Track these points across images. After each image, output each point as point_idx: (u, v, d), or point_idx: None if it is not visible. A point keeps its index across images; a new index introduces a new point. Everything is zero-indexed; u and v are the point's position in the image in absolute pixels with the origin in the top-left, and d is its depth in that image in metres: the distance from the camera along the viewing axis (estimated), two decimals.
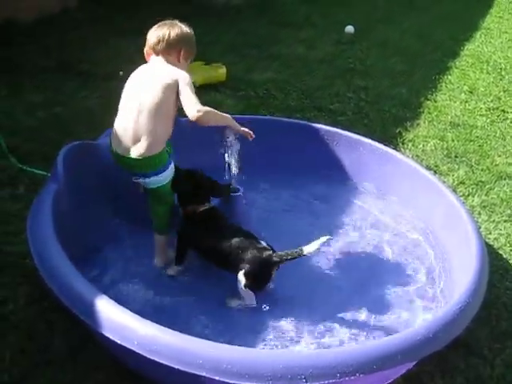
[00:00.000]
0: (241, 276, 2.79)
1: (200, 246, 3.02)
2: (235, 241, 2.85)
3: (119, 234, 3.31)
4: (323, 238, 2.75)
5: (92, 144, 3.31)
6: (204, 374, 2.10)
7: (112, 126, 3.08)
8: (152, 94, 2.95)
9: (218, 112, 3.04)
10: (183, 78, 3.03)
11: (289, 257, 2.78)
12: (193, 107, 2.91)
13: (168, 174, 3.03)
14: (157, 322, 2.26)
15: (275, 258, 2.79)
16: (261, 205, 3.68)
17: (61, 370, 2.55)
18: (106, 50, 6.27)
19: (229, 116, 3.11)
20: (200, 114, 2.89)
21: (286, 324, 2.81)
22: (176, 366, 2.12)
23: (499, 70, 6.99)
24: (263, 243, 2.85)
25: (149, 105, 2.93)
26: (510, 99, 6.10)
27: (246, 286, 2.78)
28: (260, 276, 2.83)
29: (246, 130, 3.17)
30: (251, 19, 8.00)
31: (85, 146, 3.27)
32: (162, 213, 3.13)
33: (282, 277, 2.93)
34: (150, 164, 2.94)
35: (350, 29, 7.79)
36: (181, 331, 2.22)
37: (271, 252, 2.81)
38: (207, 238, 2.94)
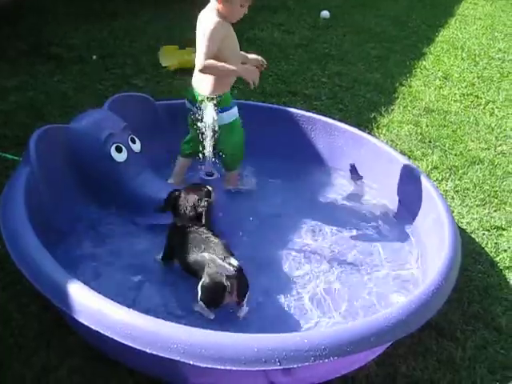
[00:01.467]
0: (198, 290, 2.71)
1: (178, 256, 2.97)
2: (201, 256, 2.77)
3: (91, 217, 3.29)
4: None
5: (64, 128, 3.26)
6: (178, 358, 2.10)
7: (86, 109, 3.06)
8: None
9: (224, 66, 3.21)
10: (202, 29, 3.29)
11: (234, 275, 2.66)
12: (198, 60, 3.22)
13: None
14: (130, 306, 2.26)
15: (226, 283, 2.64)
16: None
17: (34, 355, 2.53)
18: (80, 34, 6.19)
19: (234, 68, 3.25)
20: (202, 67, 3.20)
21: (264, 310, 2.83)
22: (149, 351, 2.12)
23: (473, 57, 7.03)
24: (229, 261, 2.70)
25: None
26: (483, 85, 6.15)
27: (201, 299, 2.71)
28: (212, 296, 2.71)
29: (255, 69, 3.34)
30: None
31: (57, 129, 3.23)
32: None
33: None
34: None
35: (325, 14, 7.77)
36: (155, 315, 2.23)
37: (225, 276, 2.64)
38: (183, 249, 2.90)
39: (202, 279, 2.70)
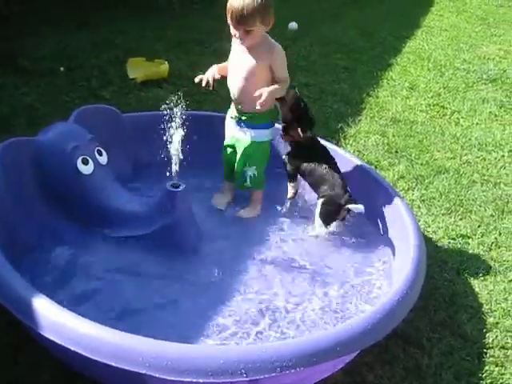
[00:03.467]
0: (318, 205, 3.43)
1: (300, 168, 3.56)
2: (325, 171, 3.45)
3: (58, 230, 3.24)
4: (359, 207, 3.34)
5: (30, 140, 3.23)
6: (144, 371, 2.09)
7: (52, 121, 3.03)
8: None
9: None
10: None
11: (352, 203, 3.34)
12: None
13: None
14: (97, 319, 2.25)
15: (342, 201, 3.34)
16: (204, 200, 3.67)
17: (3, 370, 2.51)
18: (46, 46, 6.14)
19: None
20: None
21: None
22: (116, 365, 2.11)
23: (439, 67, 7.12)
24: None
25: None
26: (449, 95, 6.24)
27: (319, 215, 3.40)
28: (329, 212, 3.40)
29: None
30: (195, 15, 7.96)
31: (23, 142, 3.20)
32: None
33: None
34: None
35: (293, 25, 7.81)
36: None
37: (343, 194, 3.36)
38: (308, 161, 3.53)
39: (323, 198, 3.39)
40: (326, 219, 3.42)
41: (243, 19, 3.16)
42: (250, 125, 3.50)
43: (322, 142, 3.80)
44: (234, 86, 3.47)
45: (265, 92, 3.21)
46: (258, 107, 3.23)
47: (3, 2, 6.62)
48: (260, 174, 3.59)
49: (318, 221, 3.44)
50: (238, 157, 3.56)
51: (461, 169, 4.65)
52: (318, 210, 3.43)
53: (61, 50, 6.11)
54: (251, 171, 3.56)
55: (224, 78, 3.53)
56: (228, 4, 3.21)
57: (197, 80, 3.58)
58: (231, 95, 3.54)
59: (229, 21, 3.23)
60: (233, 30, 3.28)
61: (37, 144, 3.22)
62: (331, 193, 3.39)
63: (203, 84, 3.52)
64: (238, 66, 3.44)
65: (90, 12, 7.25)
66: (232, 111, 3.58)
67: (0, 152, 3.02)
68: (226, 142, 3.67)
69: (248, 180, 3.58)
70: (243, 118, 3.49)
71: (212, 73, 3.52)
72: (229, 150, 3.65)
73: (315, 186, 3.53)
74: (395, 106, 5.78)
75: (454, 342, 2.94)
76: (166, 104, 3.11)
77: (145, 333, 2.22)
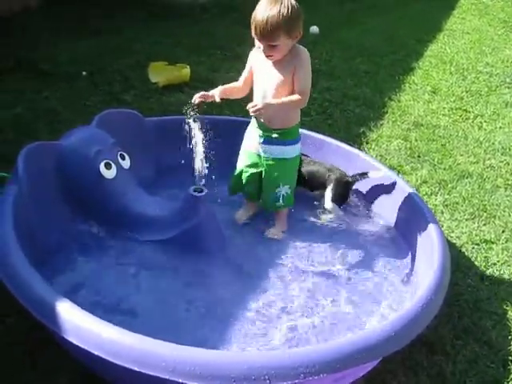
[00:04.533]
0: (328, 192, 3.61)
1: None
2: (324, 167, 3.70)
3: (81, 234, 3.25)
4: (380, 172, 3.66)
5: (53, 144, 3.25)
6: (168, 376, 2.09)
7: (74, 125, 3.04)
8: None
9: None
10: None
11: (358, 178, 3.65)
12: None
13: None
14: (122, 324, 2.25)
15: (350, 179, 3.65)
16: (227, 205, 3.66)
17: (21, 373, 2.51)
18: (67, 51, 6.19)
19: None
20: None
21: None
22: (138, 369, 2.10)
23: (461, 71, 7.08)
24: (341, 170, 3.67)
25: None
26: (471, 99, 6.19)
27: (332, 200, 3.59)
28: (341, 192, 3.63)
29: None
30: (216, 19, 7.98)
31: (46, 146, 3.21)
32: None
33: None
34: None
35: (314, 29, 7.81)
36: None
37: (347, 175, 3.66)
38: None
39: (331, 183, 3.60)
40: (339, 199, 3.63)
41: (267, 34, 2.98)
42: (281, 141, 3.30)
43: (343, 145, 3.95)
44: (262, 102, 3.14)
45: (266, 105, 3.06)
46: (251, 113, 3.05)
47: (22, 11, 6.71)
48: (292, 191, 3.46)
49: (330, 205, 3.62)
50: (270, 177, 3.39)
51: (484, 173, 4.60)
52: (329, 194, 3.61)
53: (82, 54, 6.17)
54: (284, 190, 3.40)
55: (226, 100, 3.38)
56: (252, 15, 3.04)
57: (196, 98, 3.23)
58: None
59: (253, 34, 3.06)
60: (257, 43, 3.10)
61: (60, 148, 3.23)
62: (337, 175, 3.63)
63: (195, 101, 3.20)
64: (264, 79, 3.23)
65: (110, 17, 7.30)
66: (257, 131, 3.36)
67: (23, 156, 3.02)
68: (247, 163, 3.46)
69: (281, 200, 3.42)
70: (274, 135, 3.28)
71: (215, 92, 3.27)
72: (252, 170, 3.44)
73: (320, 183, 3.69)
74: (417, 110, 5.74)
75: (479, 349, 2.90)
76: (188, 108, 3.11)
77: (169, 337, 2.22)
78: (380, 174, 3.67)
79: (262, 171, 3.42)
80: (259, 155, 3.39)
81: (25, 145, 3.11)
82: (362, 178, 3.67)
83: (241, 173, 3.49)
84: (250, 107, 3.03)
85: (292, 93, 3.15)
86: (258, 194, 3.52)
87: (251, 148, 3.42)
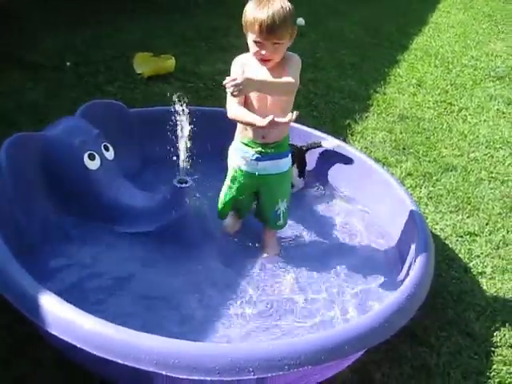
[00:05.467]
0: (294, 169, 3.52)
1: None
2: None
3: (65, 226, 3.23)
4: (341, 143, 3.91)
5: (36, 135, 3.22)
6: (152, 369, 2.08)
7: (58, 117, 3.00)
8: None
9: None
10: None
11: (311, 146, 3.93)
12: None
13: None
14: (106, 316, 2.23)
15: (304, 148, 3.88)
16: (213, 196, 3.63)
17: (4, 368, 2.49)
18: (52, 42, 6.13)
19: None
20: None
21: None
22: (122, 362, 2.09)
23: (447, 64, 7.10)
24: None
25: None
26: (456, 92, 6.21)
27: (298, 176, 3.80)
28: (300, 162, 3.81)
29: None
30: (203, 11, 7.94)
31: (29, 137, 3.18)
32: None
33: None
34: None
35: (300, 21, 7.77)
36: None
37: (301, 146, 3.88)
38: None
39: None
40: (300, 168, 3.82)
41: (275, 29, 2.73)
42: (275, 155, 3.06)
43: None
44: (261, 116, 2.77)
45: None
46: (228, 90, 2.58)
47: (6, 2, 6.64)
48: (288, 205, 3.25)
49: (297, 181, 3.79)
50: (268, 195, 3.19)
51: (468, 166, 4.62)
52: (295, 170, 3.71)
53: (67, 45, 6.11)
54: (283, 206, 3.20)
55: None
56: (249, 17, 2.79)
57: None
58: (249, 129, 3.01)
59: (255, 36, 2.77)
60: (258, 49, 2.81)
61: (43, 139, 3.20)
62: (295, 150, 3.61)
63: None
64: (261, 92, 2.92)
65: (95, 8, 7.24)
66: (244, 148, 3.08)
67: (6, 147, 2.99)
68: (238, 182, 3.18)
69: (281, 217, 3.23)
70: (269, 150, 3.03)
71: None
72: (246, 190, 3.21)
73: None
74: (402, 102, 5.75)
75: (462, 341, 2.92)
76: (173, 99, 3.07)
77: (154, 329, 2.21)
78: (333, 143, 3.91)
79: (256, 190, 3.22)
80: (252, 173, 3.11)
81: (8, 136, 3.08)
82: (315, 147, 3.93)
83: (231, 194, 3.24)
84: (227, 82, 2.58)
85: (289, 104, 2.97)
86: (248, 212, 3.39)
87: (241, 166, 3.13)
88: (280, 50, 2.83)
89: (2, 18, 6.44)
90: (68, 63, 5.64)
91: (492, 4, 10.55)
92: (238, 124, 3.06)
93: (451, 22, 9.13)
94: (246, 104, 2.94)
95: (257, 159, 3.06)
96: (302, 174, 3.85)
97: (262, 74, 2.87)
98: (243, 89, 2.60)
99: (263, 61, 2.87)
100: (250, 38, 2.82)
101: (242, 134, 3.08)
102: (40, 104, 4.77)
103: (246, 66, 2.95)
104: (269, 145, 3.02)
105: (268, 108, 2.92)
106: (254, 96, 2.93)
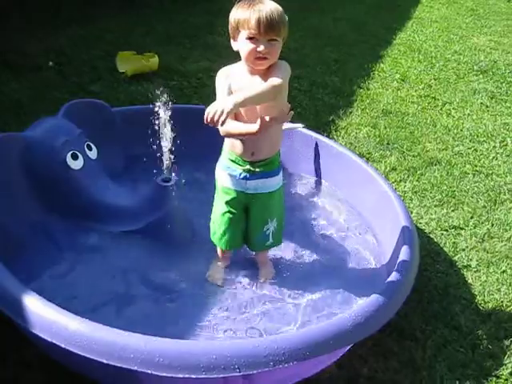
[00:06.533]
0: None
1: None
2: None
3: (50, 227, 3.21)
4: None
5: (18, 135, 3.20)
6: (136, 367, 2.07)
7: (41, 117, 2.96)
8: None
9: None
10: None
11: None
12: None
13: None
14: (90, 317, 2.22)
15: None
16: (195, 195, 3.62)
17: None
18: (35, 41, 6.08)
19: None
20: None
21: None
22: (107, 362, 2.09)
23: (430, 59, 7.13)
24: None
25: None
26: (440, 87, 6.24)
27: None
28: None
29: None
30: (186, 8, 7.92)
31: (11, 137, 3.15)
32: None
33: None
34: None
35: None
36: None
37: None
38: None
39: None
40: None
41: (273, 24, 2.57)
42: (264, 174, 2.86)
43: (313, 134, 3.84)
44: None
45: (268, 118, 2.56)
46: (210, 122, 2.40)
47: None
48: (280, 225, 3.05)
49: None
50: (256, 215, 2.98)
51: (453, 160, 4.64)
52: None
53: (50, 45, 6.06)
54: (272, 226, 3.00)
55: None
56: (241, 15, 2.62)
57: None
58: (238, 145, 2.81)
59: (251, 31, 2.58)
60: (254, 46, 2.60)
61: (25, 139, 3.18)
62: None
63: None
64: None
65: (78, 8, 7.19)
66: (232, 164, 2.88)
67: None
68: (226, 203, 2.96)
69: (270, 237, 3.02)
70: (257, 169, 2.84)
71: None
72: (233, 212, 2.97)
73: None
74: (386, 97, 5.77)
75: (448, 334, 2.93)
76: (156, 97, 3.06)
77: (140, 327, 2.21)
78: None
79: (245, 209, 3.00)
80: (241, 192, 2.92)
81: None
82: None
83: (223, 216, 3.01)
84: (210, 117, 2.39)
85: (281, 104, 2.69)
86: (242, 239, 3.09)
87: (228, 184, 2.93)
88: (275, 48, 2.63)
89: None
90: (50, 63, 5.61)
91: None
92: (226, 139, 2.86)
93: (434, 16, 9.17)
94: (236, 117, 2.72)
95: (245, 178, 2.86)
96: None
97: (247, 82, 2.68)
98: (229, 113, 2.39)
99: (259, 60, 2.63)
100: (243, 36, 2.62)
101: (229, 151, 2.88)
102: (23, 104, 4.74)
103: (230, 78, 2.75)
104: (258, 163, 2.82)
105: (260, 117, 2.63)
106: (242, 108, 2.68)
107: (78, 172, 3.23)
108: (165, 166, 3.09)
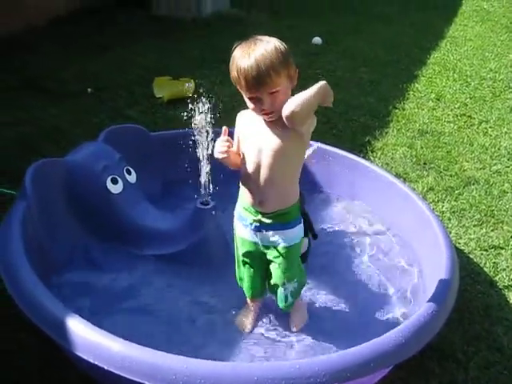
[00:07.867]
0: None
1: None
2: None
3: (89, 250, 3.28)
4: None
5: (60, 161, 3.27)
6: None
7: (80, 142, 3.02)
8: None
9: None
10: None
11: None
12: None
13: None
14: (130, 338, 2.24)
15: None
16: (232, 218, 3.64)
17: None
18: (71, 68, 6.23)
19: None
20: None
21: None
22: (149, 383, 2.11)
23: (465, 77, 7.07)
24: None
25: None
26: (476, 105, 6.18)
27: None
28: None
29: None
30: (219, 33, 8.02)
31: (53, 163, 3.23)
32: None
33: None
34: None
35: (317, 40, 7.85)
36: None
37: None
38: None
39: None
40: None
41: (264, 77, 2.36)
42: (279, 225, 2.63)
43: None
44: (256, 179, 2.57)
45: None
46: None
47: (26, 31, 6.77)
48: (301, 283, 2.81)
49: None
50: (273, 272, 2.75)
51: (491, 179, 4.59)
52: None
53: (86, 71, 6.21)
54: (292, 285, 2.74)
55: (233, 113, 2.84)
56: (234, 71, 2.44)
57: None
58: (246, 192, 2.64)
59: (245, 90, 2.45)
60: (254, 106, 2.48)
61: (67, 164, 3.26)
62: None
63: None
64: (259, 149, 2.55)
65: (112, 34, 7.35)
66: (246, 216, 2.69)
67: (31, 173, 3.04)
68: (242, 257, 2.82)
69: (290, 297, 2.76)
70: (267, 221, 2.61)
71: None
72: (250, 263, 2.81)
73: None
74: (422, 117, 5.74)
75: (491, 356, 2.89)
76: (193, 121, 3.10)
77: (178, 350, 2.22)
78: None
79: (265, 260, 2.78)
80: (255, 243, 2.73)
81: (31, 162, 3.14)
82: None
83: (242, 265, 2.87)
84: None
85: (293, 155, 2.56)
86: (265, 289, 2.92)
87: (243, 235, 2.76)
88: (280, 97, 2.41)
89: (19, 48, 6.56)
90: (89, 89, 5.73)
91: (510, 15, 10.48)
92: (240, 185, 2.69)
93: (469, 35, 9.10)
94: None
95: (256, 228, 2.67)
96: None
97: (258, 130, 2.56)
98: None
99: (267, 115, 2.48)
100: (243, 94, 2.49)
101: (241, 198, 2.71)
102: (62, 130, 4.84)
103: (241, 128, 2.71)
104: (269, 214, 2.61)
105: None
106: (248, 157, 2.61)
107: (117, 196, 3.29)
108: (203, 189, 3.12)
